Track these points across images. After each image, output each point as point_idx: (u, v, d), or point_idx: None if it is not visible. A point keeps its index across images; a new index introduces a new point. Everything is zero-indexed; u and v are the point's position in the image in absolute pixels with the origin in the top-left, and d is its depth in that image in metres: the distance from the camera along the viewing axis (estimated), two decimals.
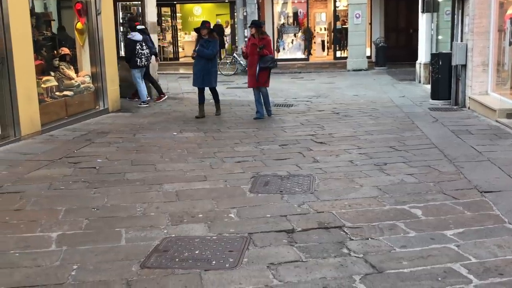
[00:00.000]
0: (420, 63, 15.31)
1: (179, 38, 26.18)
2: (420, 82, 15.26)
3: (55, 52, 10.50)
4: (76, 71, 10.85)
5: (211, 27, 11.11)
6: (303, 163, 6.88)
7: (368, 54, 21.66)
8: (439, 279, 3.66)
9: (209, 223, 4.81)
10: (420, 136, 8.37)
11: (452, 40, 11.86)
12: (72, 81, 10.49)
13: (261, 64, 10.25)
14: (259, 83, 10.41)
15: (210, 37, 10.69)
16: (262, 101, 10.51)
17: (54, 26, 11.01)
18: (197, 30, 11.06)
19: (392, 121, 9.75)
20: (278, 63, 22.60)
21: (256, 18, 20.52)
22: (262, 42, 10.22)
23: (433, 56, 12.04)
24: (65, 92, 10.16)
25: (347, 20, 22.13)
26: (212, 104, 11.12)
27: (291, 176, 6.28)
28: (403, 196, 5.43)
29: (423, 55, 14.95)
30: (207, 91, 11.03)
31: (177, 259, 4.05)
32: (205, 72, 10.64)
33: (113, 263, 4.02)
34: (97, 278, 3.80)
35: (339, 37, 24.31)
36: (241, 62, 20.09)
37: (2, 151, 7.71)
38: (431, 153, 7.24)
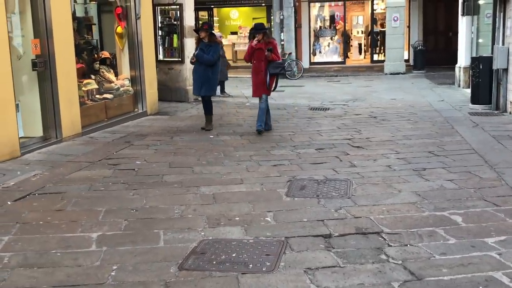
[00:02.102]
0: (460, 67, 15.03)
1: None
2: (459, 86, 14.98)
3: (96, 55, 10.71)
4: (116, 75, 11.05)
5: (209, 28, 9.92)
6: (340, 168, 6.84)
7: (406, 57, 21.40)
8: (480, 287, 3.59)
9: (246, 226, 4.83)
10: (460, 141, 8.22)
11: (493, 43, 11.60)
12: (112, 84, 10.68)
13: (271, 70, 9.23)
14: (269, 91, 9.48)
15: (210, 41, 9.59)
16: (260, 112, 9.40)
17: (95, 30, 11.22)
18: (196, 31, 10.06)
19: (431, 126, 9.60)
20: (314, 66, 22.89)
21: (293, 22, 20.54)
22: (269, 46, 9.23)
23: (473, 59, 11.81)
24: (105, 95, 10.34)
25: (384, 23, 21.92)
26: (250, 107, 11.13)
27: (327, 180, 6.26)
28: (442, 202, 5.34)
29: (463, 59, 14.67)
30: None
31: (214, 262, 4.08)
32: (204, 79, 9.54)
33: (151, 264, 4.08)
34: (136, 279, 3.86)
35: (376, 40, 24.12)
36: None
37: (45, 152, 7.91)
38: (471, 159, 7.10)
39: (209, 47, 9.49)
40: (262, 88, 9.38)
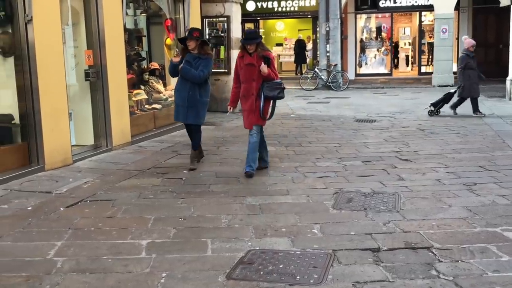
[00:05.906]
0: (511, 80, 14.66)
1: None
2: (510, 99, 14.62)
3: (145, 66, 10.94)
4: (165, 85, 11.25)
5: (201, 37, 7.54)
6: (387, 181, 6.75)
7: (454, 69, 20.98)
8: None
9: (293, 238, 4.82)
10: (511, 156, 8.00)
11: None
12: (161, 94, 10.89)
13: (266, 92, 6.95)
14: (264, 120, 7.18)
15: (201, 52, 7.39)
16: (249, 148, 7.21)
17: (145, 41, 11.47)
18: (182, 40, 7.66)
19: (481, 140, 9.38)
20: (360, 78, 22.73)
21: (339, 33, 20.46)
22: (263, 60, 6.86)
23: None
24: (154, 105, 10.56)
25: (432, 34, 21.60)
26: (294, 119, 11.09)
27: (375, 193, 6.19)
28: (494, 218, 5.21)
29: None
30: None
31: (261, 272, 4.09)
32: (190, 102, 7.39)
33: (200, 273, 4.12)
34: (185, 287, 3.90)
35: (424, 52, 23.82)
36: (322, 77, 20.05)
37: (95, 161, 8.11)
38: None
39: (199, 60, 7.33)
40: (253, 116, 7.09)
